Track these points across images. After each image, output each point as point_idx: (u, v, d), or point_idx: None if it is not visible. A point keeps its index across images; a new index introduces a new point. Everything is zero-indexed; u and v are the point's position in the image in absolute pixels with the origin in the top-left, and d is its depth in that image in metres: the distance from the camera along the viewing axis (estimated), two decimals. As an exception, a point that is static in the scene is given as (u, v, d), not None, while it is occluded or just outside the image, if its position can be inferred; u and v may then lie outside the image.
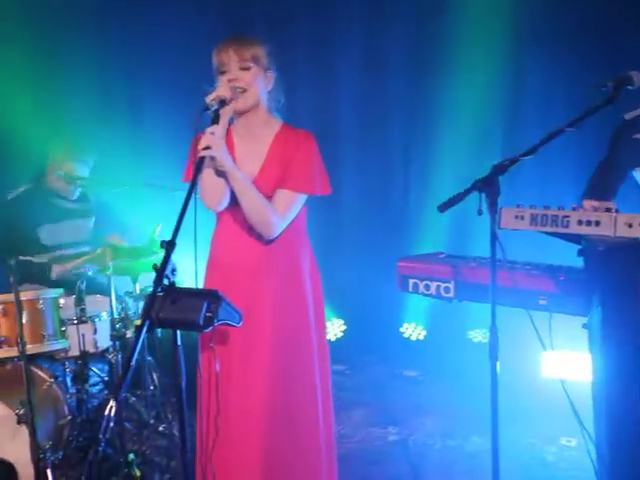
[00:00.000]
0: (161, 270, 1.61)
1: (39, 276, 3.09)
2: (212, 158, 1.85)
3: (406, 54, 3.90)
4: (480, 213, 1.76)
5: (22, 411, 2.34)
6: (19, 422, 2.35)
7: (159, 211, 3.06)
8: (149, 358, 3.09)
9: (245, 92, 1.93)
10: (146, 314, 1.59)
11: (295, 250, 2.09)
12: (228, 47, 1.93)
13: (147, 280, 3.16)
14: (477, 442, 3.01)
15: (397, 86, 3.87)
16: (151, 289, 3.14)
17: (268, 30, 3.67)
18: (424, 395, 3.58)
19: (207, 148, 1.79)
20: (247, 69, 1.93)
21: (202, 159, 1.80)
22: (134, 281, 3.04)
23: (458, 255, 2.34)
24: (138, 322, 1.59)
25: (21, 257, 2.89)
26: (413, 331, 4.03)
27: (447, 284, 2.16)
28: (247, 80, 1.93)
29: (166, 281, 1.63)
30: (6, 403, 2.37)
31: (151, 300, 1.60)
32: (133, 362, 1.55)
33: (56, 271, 3.12)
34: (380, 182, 3.90)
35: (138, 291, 3.04)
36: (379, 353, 3.99)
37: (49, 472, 2.37)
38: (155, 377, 3.07)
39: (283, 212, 1.98)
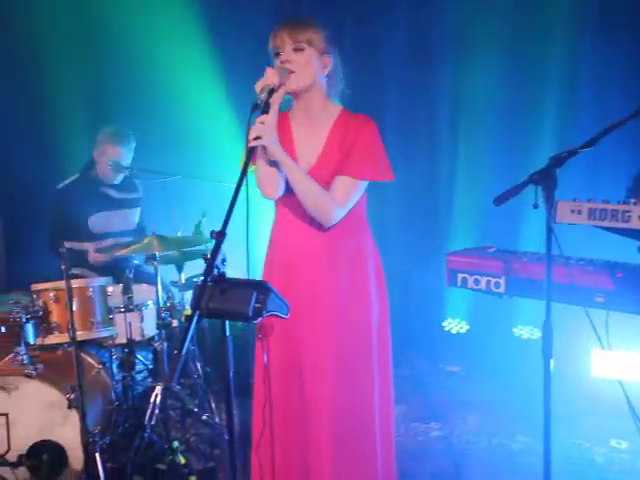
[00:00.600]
0: (211, 260, 1.61)
1: (81, 261, 3.17)
2: (263, 148, 1.84)
3: (452, 44, 3.80)
4: (536, 207, 1.70)
5: (72, 396, 2.39)
6: (70, 407, 2.40)
7: (204, 202, 3.08)
8: (193, 347, 3.13)
9: (295, 73, 1.89)
10: (196, 304, 1.59)
11: (356, 237, 2.05)
12: (283, 30, 1.91)
13: (192, 270, 3.20)
14: (522, 441, 2.95)
15: (443, 77, 3.78)
16: (198, 279, 3.23)
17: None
18: (467, 391, 3.52)
19: (258, 138, 1.78)
20: (300, 50, 1.90)
21: (252, 149, 1.79)
22: (179, 271, 3.07)
23: (508, 250, 2.27)
24: (188, 312, 1.59)
25: (67, 244, 2.96)
26: (455, 325, 3.96)
27: (498, 279, 2.10)
28: (300, 61, 1.90)
29: (216, 271, 1.63)
30: (57, 388, 2.43)
31: (201, 290, 1.61)
32: (184, 351, 1.55)
33: (91, 256, 3.19)
34: (425, 174, 3.83)
35: (183, 281, 3.07)
36: (421, 347, 3.94)
37: (97, 456, 2.42)
38: (199, 366, 3.11)
39: (342, 199, 1.94)
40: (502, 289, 2.12)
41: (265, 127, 1.79)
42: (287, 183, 1.97)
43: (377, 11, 3.82)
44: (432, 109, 3.80)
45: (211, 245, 2.79)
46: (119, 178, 3.33)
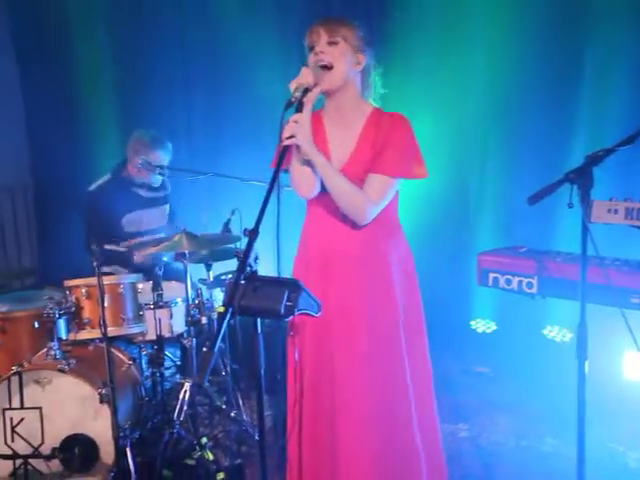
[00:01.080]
0: (244, 258, 1.62)
1: (122, 261, 3.22)
2: (297, 147, 1.84)
3: (483, 38, 3.72)
4: (571, 206, 1.68)
5: (104, 391, 2.43)
6: (101, 401, 2.44)
7: (233, 200, 3.09)
8: (221, 344, 3.14)
9: (330, 70, 1.89)
10: (229, 301, 1.60)
11: (389, 236, 2.05)
12: (319, 25, 1.92)
13: (220, 268, 3.23)
14: (552, 443, 2.91)
15: (474, 73, 3.72)
16: (227, 277, 3.25)
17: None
18: (495, 392, 3.48)
19: (291, 137, 1.78)
20: (335, 44, 1.90)
21: (286, 148, 1.79)
22: (208, 269, 3.09)
23: (541, 249, 2.24)
24: (220, 309, 1.60)
25: (106, 246, 3.02)
26: (483, 325, 3.92)
27: (530, 279, 2.08)
28: (334, 55, 1.89)
29: (248, 269, 1.64)
30: (89, 382, 2.46)
31: (234, 288, 1.61)
32: (216, 349, 1.56)
33: (138, 256, 3.23)
34: (455, 173, 3.78)
35: (211, 278, 3.09)
36: (448, 347, 3.90)
37: (128, 450, 2.45)
38: (227, 363, 3.13)
39: (376, 197, 1.93)
40: (534, 289, 2.09)
41: (299, 126, 1.79)
42: (322, 182, 1.98)
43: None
44: (462, 105, 3.75)
45: (240, 243, 2.84)
46: (156, 179, 3.36)
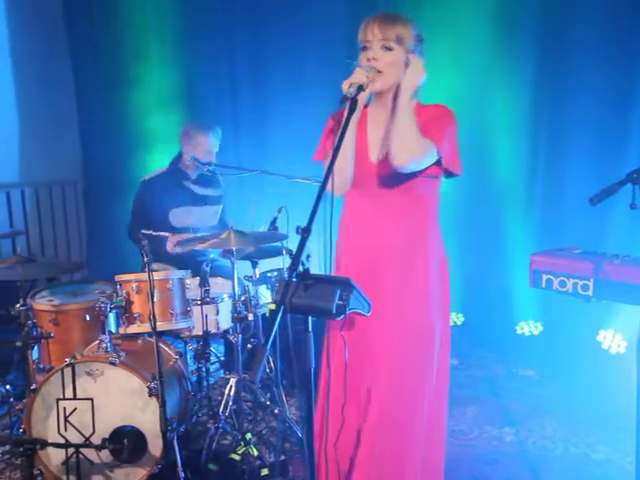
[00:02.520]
0: (296, 256, 1.62)
1: (158, 249, 3.23)
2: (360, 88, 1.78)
3: (534, 38, 3.64)
4: (634, 207, 1.62)
5: (153, 384, 2.47)
6: (150, 394, 2.48)
7: (280, 198, 3.11)
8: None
9: (382, 73, 1.90)
10: (281, 299, 1.60)
11: (425, 232, 2.03)
12: (373, 24, 1.90)
13: (266, 265, 3.25)
14: (604, 451, 2.83)
15: (528, 69, 3.63)
16: (271, 274, 3.26)
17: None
18: (542, 396, 3.40)
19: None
20: (389, 49, 1.89)
21: (338, 147, 1.73)
22: (254, 266, 3.12)
23: (597, 251, 2.17)
24: (273, 306, 1.60)
25: (144, 230, 3.03)
26: (530, 327, 3.83)
27: (586, 281, 2.02)
28: (386, 61, 1.89)
29: (300, 267, 1.64)
30: (138, 376, 2.51)
31: (286, 285, 1.62)
32: (269, 346, 1.56)
33: (170, 245, 3.24)
34: (504, 172, 3.71)
35: (257, 275, 3.11)
36: (493, 349, 3.85)
37: (175, 443, 2.49)
38: (271, 360, 3.15)
39: (425, 149, 1.89)
40: (590, 292, 2.03)
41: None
42: (354, 179, 1.99)
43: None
44: (514, 102, 3.66)
45: (286, 242, 2.85)
46: (200, 169, 3.39)
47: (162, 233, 3.12)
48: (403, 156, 1.88)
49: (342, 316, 1.67)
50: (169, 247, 3.29)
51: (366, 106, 2.04)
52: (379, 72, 1.89)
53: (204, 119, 3.38)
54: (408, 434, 2.03)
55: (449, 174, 2.01)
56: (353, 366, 1.98)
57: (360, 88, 1.79)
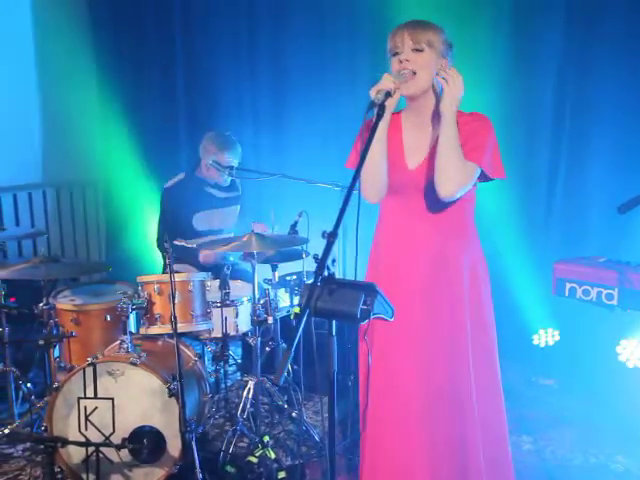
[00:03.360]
0: (322, 260, 1.63)
1: (190, 258, 3.29)
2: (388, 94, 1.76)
3: (560, 39, 3.58)
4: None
5: (173, 385, 2.49)
6: (170, 395, 2.49)
7: (300, 202, 3.12)
8: (283, 345, 3.18)
9: (414, 75, 1.89)
10: (307, 303, 1.61)
11: (459, 238, 2.04)
12: (403, 30, 1.91)
13: (285, 268, 3.26)
14: (623, 462, 2.80)
15: (547, 77, 3.60)
16: (290, 277, 3.27)
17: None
18: (561, 405, 3.37)
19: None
20: (420, 51, 1.90)
21: (375, 125, 1.71)
22: (273, 269, 3.13)
23: (622, 260, 2.16)
24: (297, 310, 1.61)
25: (175, 242, 3.09)
26: (548, 337, 3.79)
27: (610, 290, 2.01)
28: (419, 62, 1.90)
29: (326, 272, 1.65)
30: (158, 376, 2.52)
31: (312, 289, 1.62)
32: (293, 349, 1.57)
33: (202, 255, 3.30)
34: (525, 178, 3.67)
35: (277, 279, 3.13)
36: (511, 357, 3.80)
37: (194, 444, 2.50)
38: (289, 363, 3.15)
39: (467, 176, 1.91)
40: (615, 301, 2.02)
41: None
42: (390, 186, 1.99)
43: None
44: (535, 110, 3.63)
45: (306, 246, 2.86)
46: (225, 179, 3.42)
47: (193, 245, 3.17)
48: (449, 188, 1.91)
49: (366, 321, 1.68)
50: (201, 259, 3.32)
51: (400, 111, 2.04)
52: (413, 74, 1.89)
53: (226, 134, 3.39)
54: (450, 433, 2.02)
55: (490, 179, 2.02)
56: (387, 366, 1.99)
57: (388, 94, 1.79)
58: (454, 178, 1.89)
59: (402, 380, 2.02)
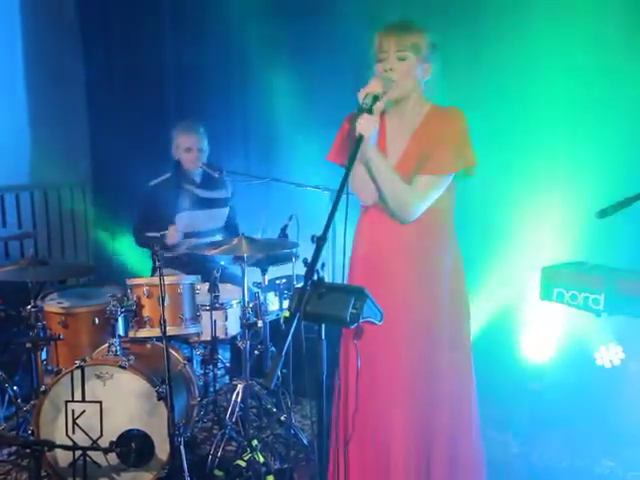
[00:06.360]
0: (312, 264, 1.63)
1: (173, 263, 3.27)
2: (361, 138, 1.82)
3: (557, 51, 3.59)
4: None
5: (161, 388, 2.48)
6: (159, 398, 2.48)
7: (290, 206, 3.13)
8: (272, 349, 3.18)
9: (397, 82, 1.94)
10: (297, 307, 1.62)
11: (437, 238, 2.06)
12: (389, 33, 1.95)
13: (274, 272, 3.26)
14: (608, 465, 2.82)
15: (538, 79, 3.60)
16: (280, 281, 3.27)
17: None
18: (547, 409, 3.39)
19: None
20: (404, 59, 1.94)
21: (359, 142, 1.79)
22: (263, 273, 3.13)
23: (608, 265, 2.19)
24: (287, 314, 1.62)
25: (147, 234, 3.04)
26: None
27: (597, 295, 2.04)
28: (402, 70, 1.94)
29: (315, 276, 1.66)
30: (147, 380, 2.52)
31: (301, 293, 1.63)
32: (283, 353, 1.57)
33: (170, 239, 3.26)
34: (515, 184, 3.67)
35: (266, 283, 3.13)
36: (500, 361, 3.83)
37: (182, 448, 2.49)
38: (279, 367, 3.15)
39: (422, 194, 1.96)
40: (601, 306, 2.04)
41: (368, 121, 1.82)
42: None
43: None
44: (524, 116, 3.63)
45: (297, 249, 2.87)
46: (197, 165, 3.41)
47: (164, 232, 3.15)
48: (404, 214, 1.98)
49: (355, 324, 1.69)
50: (169, 239, 3.29)
51: (383, 113, 2.06)
52: (394, 81, 1.93)
53: (190, 120, 3.42)
54: (428, 432, 2.05)
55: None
56: (366, 372, 2.00)
57: (376, 98, 1.82)
58: (405, 206, 1.96)
59: (383, 382, 2.04)
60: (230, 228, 3.56)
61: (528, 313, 3.75)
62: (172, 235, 3.29)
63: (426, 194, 1.97)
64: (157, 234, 3.07)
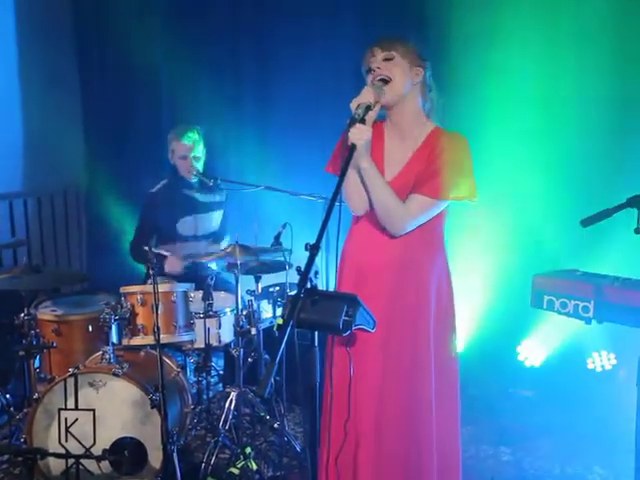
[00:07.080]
0: (305, 272, 1.65)
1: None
2: (354, 147, 1.85)
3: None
4: (638, 232, 1.66)
5: (155, 396, 2.48)
6: (152, 406, 2.49)
7: (284, 214, 3.14)
8: (266, 356, 3.19)
9: (389, 82, 1.96)
10: (290, 314, 1.63)
11: (427, 251, 2.08)
12: (373, 46, 2.00)
13: (268, 280, 3.27)
14: (600, 473, 2.85)
15: (528, 86, 3.62)
16: (273, 288, 3.27)
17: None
18: (539, 417, 3.42)
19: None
20: (390, 59, 1.98)
21: (351, 151, 1.81)
22: (256, 280, 3.14)
23: (598, 274, 2.22)
24: (280, 321, 1.63)
25: (146, 248, 3.05)
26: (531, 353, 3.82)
27: (586, 303, 2.06)
28: (390, 68, 1.97)
29: (308, 283, 1.67)
30: (141, 387, 2.52)
31: (295, 301, 1.65)
32: (277, 361, 1.59)
33: (168, 265, 3.27)
34: (510, 193, 3.69)
35: (259, 290, 3.14)
36: (492, 369, 3.85)
37: (175, 456, 2.49)
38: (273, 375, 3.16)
39: (415, 213, 1.99)
40: (590, 314, 2.07)
41: (360, 131, 1.84)
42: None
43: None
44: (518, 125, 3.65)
45: (289, 257, 2.88)
46: (193, 174, 3.41)
47: (162, 252, 3.15)
48: (394, 229, 2.00)
49: (348, 332, 1.70)
50: (167, 268, 3.30)
51: (384, 120, 2.09)
52: (386, 82, 1.96)
53: (186, 124, 3.43)
54: (415, 436, 2.06)
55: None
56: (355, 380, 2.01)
57: (368, 108, 1.85)
58: (395, 221, 1.99)
59: (367, 388, 2.05)
60: (221, 231, 3.58)
61: (520, 320, 3.79)
62: (174, 264, 3.29)
63: (418, 214, 1.99)
64: (162, 251, 3.08)
